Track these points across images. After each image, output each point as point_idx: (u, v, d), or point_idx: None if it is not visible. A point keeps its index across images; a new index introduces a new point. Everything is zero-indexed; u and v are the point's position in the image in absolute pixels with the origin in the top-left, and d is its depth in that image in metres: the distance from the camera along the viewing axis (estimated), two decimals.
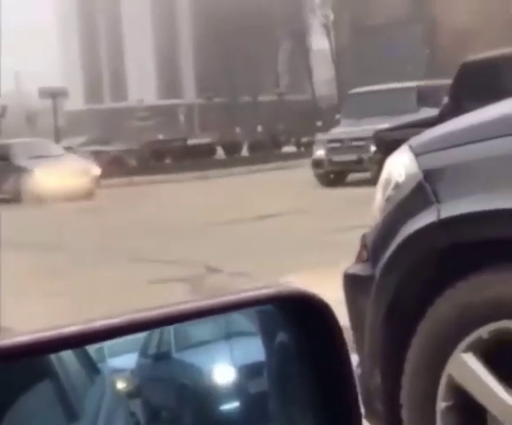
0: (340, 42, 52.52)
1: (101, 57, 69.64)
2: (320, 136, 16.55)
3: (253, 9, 50.11)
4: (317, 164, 15.15)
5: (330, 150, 14.83)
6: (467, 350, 1.89)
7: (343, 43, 52.31)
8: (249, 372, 0.84)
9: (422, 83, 16.32)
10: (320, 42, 53.77)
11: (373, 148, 14.20)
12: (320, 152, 15.13)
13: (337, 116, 17.90)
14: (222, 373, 0.83)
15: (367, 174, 14.63)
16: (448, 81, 16.73)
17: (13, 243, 9.05)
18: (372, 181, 13.13)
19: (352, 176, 15.30)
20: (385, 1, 46.92)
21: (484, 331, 1.87)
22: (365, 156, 14.40)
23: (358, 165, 14.61)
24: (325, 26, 52.91)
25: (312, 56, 54.46)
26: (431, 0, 45.65)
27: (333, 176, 15.21)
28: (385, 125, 14.19)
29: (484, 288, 1.89)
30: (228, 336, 0.84)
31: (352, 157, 14.53)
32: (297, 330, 0.80)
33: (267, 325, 0.83)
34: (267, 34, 51.95)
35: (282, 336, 0.83)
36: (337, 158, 14.70)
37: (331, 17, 52.57)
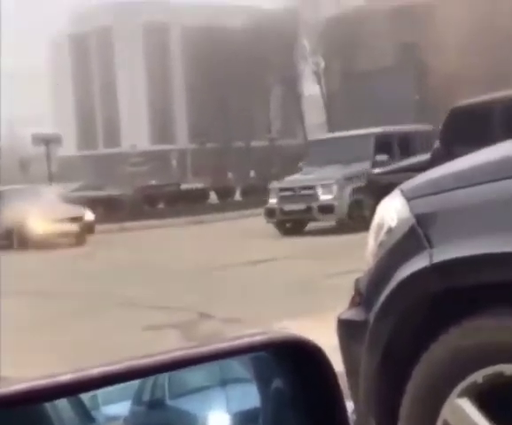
0: (331, 88, 53.20)
1: (94, 103, 70.20)
2: (273, 184, 15.88)
3: (245, 56, 50.83)
4: (269, 213, 14.59)
5: (282, 199, 14.31)
6: (462, 395, 1.89)
7: (334, 89, 52.98)
8: (244, 419, 0.83)
9: (381, 130, 15.80)
10: (311, 88, 54.46)
11: (322, 197, 13.81)
12: (272, 201, 14.59)
13: (300, 164, 17.38)
14: (218, 420, 0.83)
15: (327, 223, 14.07)
16: (409, 127, 16.42)
17: (3, 291, 8.98)
18: (332, 231, 12.93)
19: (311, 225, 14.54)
20: (375, 48, 47.71)
21: (478, 376, 1.86)
22: (314, 205, 13.86)
23: (306, 214, 14.09)
24: (316, 72, 53.65)
25: (303, 101, 55.10)
26: (421, 47, 46.46)
27: (290, 225, 14.41)
28: (341, 173, 13.79)
29: (477, 332, 1.89)
30: (224, 382, 0.83)
31: (301, 206, 13.95)
32: (291, 376, 0.80)
33: (261, 371, 0.83)
34: (259, 80, 52.61)
35: (277, 383, 0.83)
36: (287, 207, 14.17)
37: (322, 64, 53.35)
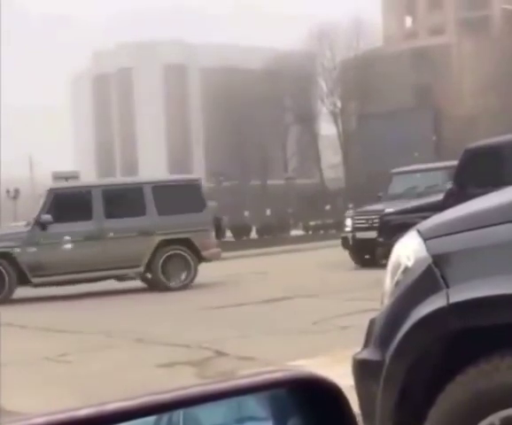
0: (348, 128, 53.43)
1: (114, 141, 71.03)
2: None
3: (262, 95, 51.29)
4: None
5: None
6: None
7: (350, 129, 53.20)
8: None
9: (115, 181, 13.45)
10: (328, 128, 54.72)
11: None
12: None
13: None
14: None
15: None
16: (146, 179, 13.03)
17: (21, 326, 9.01)
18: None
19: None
20: (392, 89, 47.92)
21: (495, 418, 1.84)
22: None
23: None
24: (333, 113, 53.94)
25: (320, 141, 55.33)
26: (438, 88, 46.60)
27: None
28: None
29: (494, 373, 1.87)
30: (240, 420, 0.83)
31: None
32: (309, 414, 0.80)
33: (278, 409, 0.83)
34: (276, 119, 52.99)
35: (294, 420, 0.82)
36: None
37: (339, 104, 53.67)
